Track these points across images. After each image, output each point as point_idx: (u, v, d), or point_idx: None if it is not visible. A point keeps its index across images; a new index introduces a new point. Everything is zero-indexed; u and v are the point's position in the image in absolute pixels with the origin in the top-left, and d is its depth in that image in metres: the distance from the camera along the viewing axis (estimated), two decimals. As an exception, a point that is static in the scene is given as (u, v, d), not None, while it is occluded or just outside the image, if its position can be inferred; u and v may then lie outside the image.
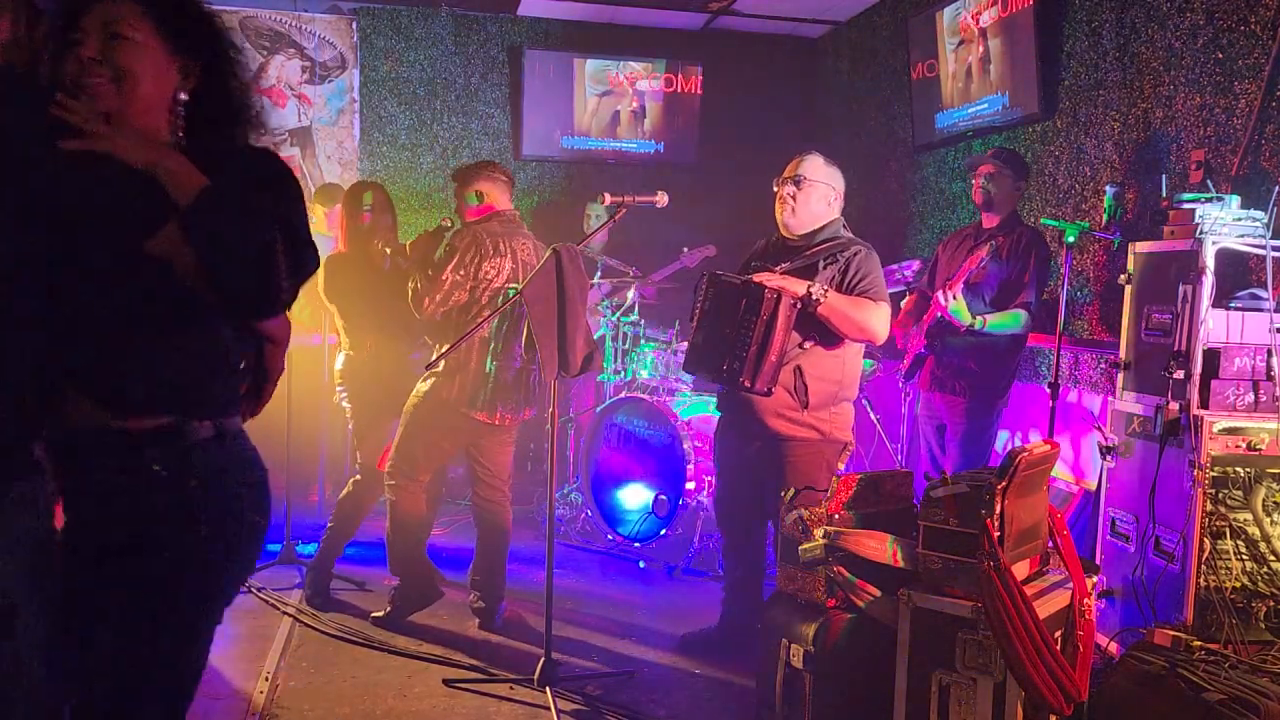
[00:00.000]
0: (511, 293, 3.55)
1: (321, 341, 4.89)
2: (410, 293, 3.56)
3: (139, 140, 1.48)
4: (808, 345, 3.26)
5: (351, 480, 4.03)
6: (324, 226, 5.27)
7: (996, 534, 2.32)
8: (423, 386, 3.64)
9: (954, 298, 3.61)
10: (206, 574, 1.59)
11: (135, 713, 1.56)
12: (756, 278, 3.22)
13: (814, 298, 3.15)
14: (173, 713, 1.62)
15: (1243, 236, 3.01)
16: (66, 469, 1.51)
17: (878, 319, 3.23)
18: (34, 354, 1.43)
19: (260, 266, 1.46)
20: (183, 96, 1.62)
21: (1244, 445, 2.94)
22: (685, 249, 5.49)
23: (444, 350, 3.46)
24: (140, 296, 1.50)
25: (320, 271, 4.00)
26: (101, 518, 1.52)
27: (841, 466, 3.40)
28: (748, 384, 3.15)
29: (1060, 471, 4.07)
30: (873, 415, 4.86)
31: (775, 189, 3.42)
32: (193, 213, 1.43)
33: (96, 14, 1.53)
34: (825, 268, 3.27)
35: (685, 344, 4.86)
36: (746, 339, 3.14)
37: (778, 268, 3.31)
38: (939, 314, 3.74)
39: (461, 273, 3.51)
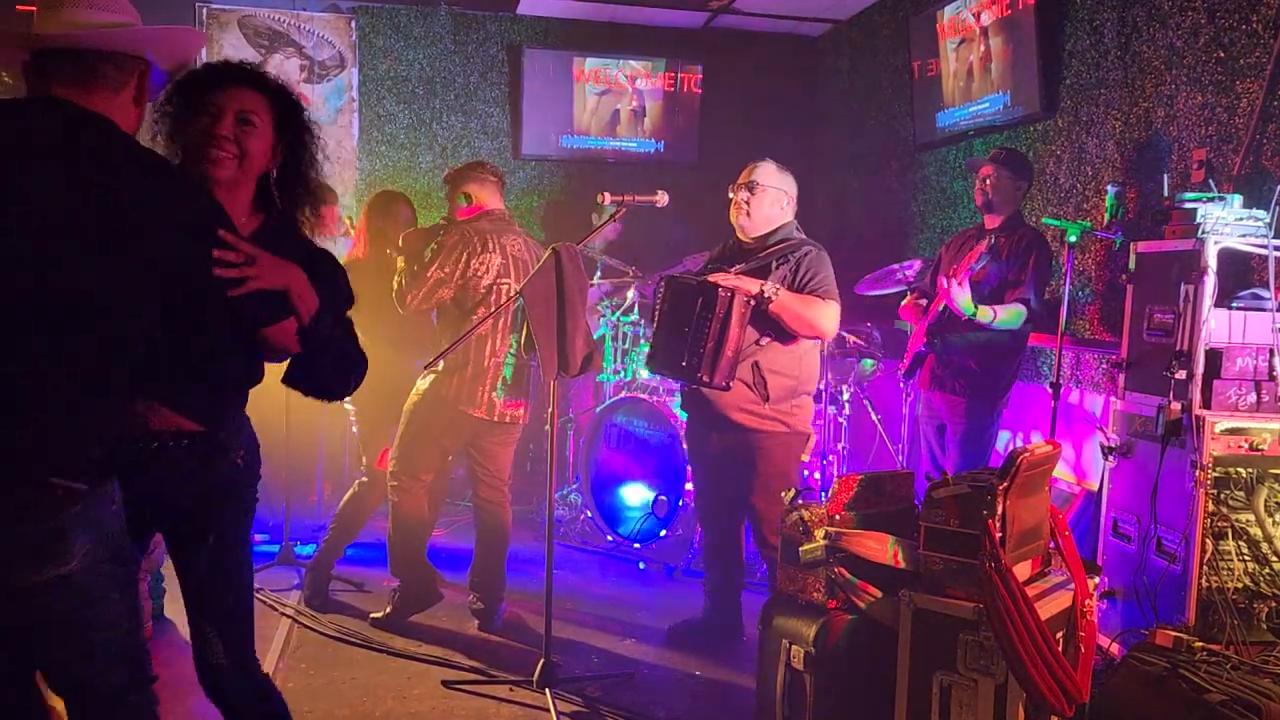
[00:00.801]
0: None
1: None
2: (395, 286, 3.57)
3: (277, 267, 1.81)
4: (764, 341, 3.41)
5: (356, 483, 4.02)
6: None
7: (998, 535, 2.31)
8: (422, 385, 3.63)
9: (960, 284, 3.61)
10: (251, 511, 2.13)
11: (249, 613, 2.13)
12: (711, 277, 3.38)
13: (766, 295, 3.30)
14: None
15: (1245, 236, 3.00)
16: (150, 458, 1.90)
17: (827, 316, 3.38)
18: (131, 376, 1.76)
19: (344, 376, 2.03)
20: (273, 173, 1.99)
21: (1246, 446, 2.93)
22: (688, 255, 5.46)
23: (444, 350, 3.45)
24: (238, 355, 1.96)
25: None
26: (191, 488, 1.96)
27: (805, 458, 3.55)
28: (705, 378, 3.30)
29: (1062, 472, 4.06)
30: (873, 415, 4.84)
31: (730, 195, 3.56)
32: (310, 331, 1.89)
33: (233, 97, 1.88)
34: (778, 267, 3.42)
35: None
36: (703, 336, 3.29)
37: (733, 268, 3.47)
38: (943, 305, 3.72)
39: (446, 270, 3.50)
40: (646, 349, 4.88)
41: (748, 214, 3.50)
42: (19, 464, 1.60)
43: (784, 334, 3.40)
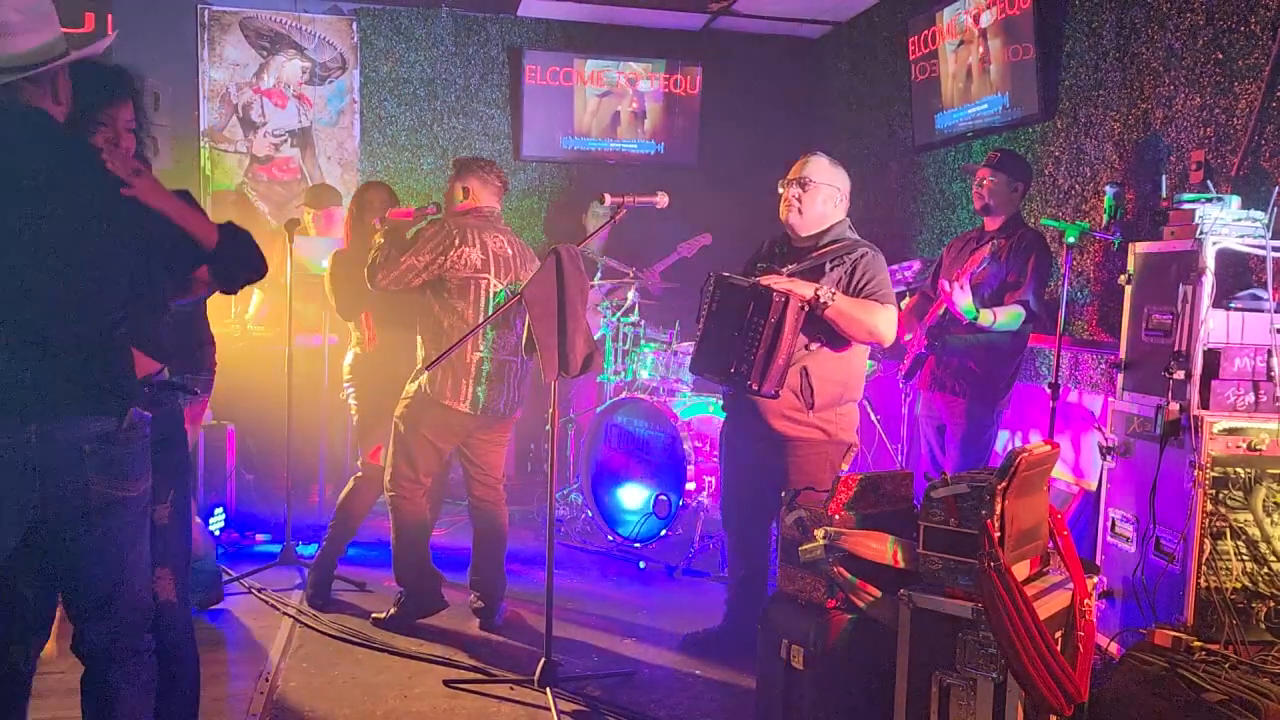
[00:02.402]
0: (501, 296, 3.58)
1: (321, 341, 4.89)
2: (369, 261, 3.60)
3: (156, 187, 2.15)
4: (814, 347, 3.26)
5: (353, 478, 4.02)
6: (310, 229, 5.26)
7: (997, 534, 2.32)
8: (410, 388, 3.65)
9: (961, 288, 3.61)
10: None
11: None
12: (763, 280, 3.20)
13: (821, 301, 3.15)
14: None
15: (1243, 237, 3.01)
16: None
17: (885, 321, 3.24)
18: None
19: (258, 251, 2.37)
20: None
21: (1244, 446, 2.94)
22: (681, 241, 5.49)
23: (444, 351, 3.46)
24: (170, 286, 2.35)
25: (328, 268, 4.04)
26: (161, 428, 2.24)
27: (845, 467, 3.38)
28: (755, 387, 3.14)
29: (1060, 472, 4.06)
30: (873, 415, 4.86)
31: (780, 190, 3.42)
32: (228, 229, 2.28)
33: (122, 112, 2.35)
34: (832, 269, 3.27)
35: (685, 344, 4.88)
36: (754, 341, 3.13)
37: (785, 269, 3.31)
38: (943, 308, 3.73)
39: (421, 259, 3.53)
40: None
41: (799, 212, 3.34)
42: (114, 399, 2.02)
43: (835, 339, 3.26)
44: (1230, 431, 2.94)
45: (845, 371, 3.34)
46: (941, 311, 3.80)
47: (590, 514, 4.97)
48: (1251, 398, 2.97)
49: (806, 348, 3.26)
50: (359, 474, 4.00)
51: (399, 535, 3.71)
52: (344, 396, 4.10)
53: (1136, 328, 3.25)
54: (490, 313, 3.59)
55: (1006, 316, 3.69)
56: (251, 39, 6.17)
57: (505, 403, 3.69)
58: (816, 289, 3.16)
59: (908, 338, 4.04)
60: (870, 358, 4.75)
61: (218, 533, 4.77)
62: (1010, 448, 3.29)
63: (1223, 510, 2.92)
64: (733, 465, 3.55)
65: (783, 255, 3.43)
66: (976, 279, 3.74)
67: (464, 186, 3.71)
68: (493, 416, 3.66)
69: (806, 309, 3.15)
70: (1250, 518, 2.92)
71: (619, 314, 5.08)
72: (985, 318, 3.64)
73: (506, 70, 6.47)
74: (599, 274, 5.31)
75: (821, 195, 3.35)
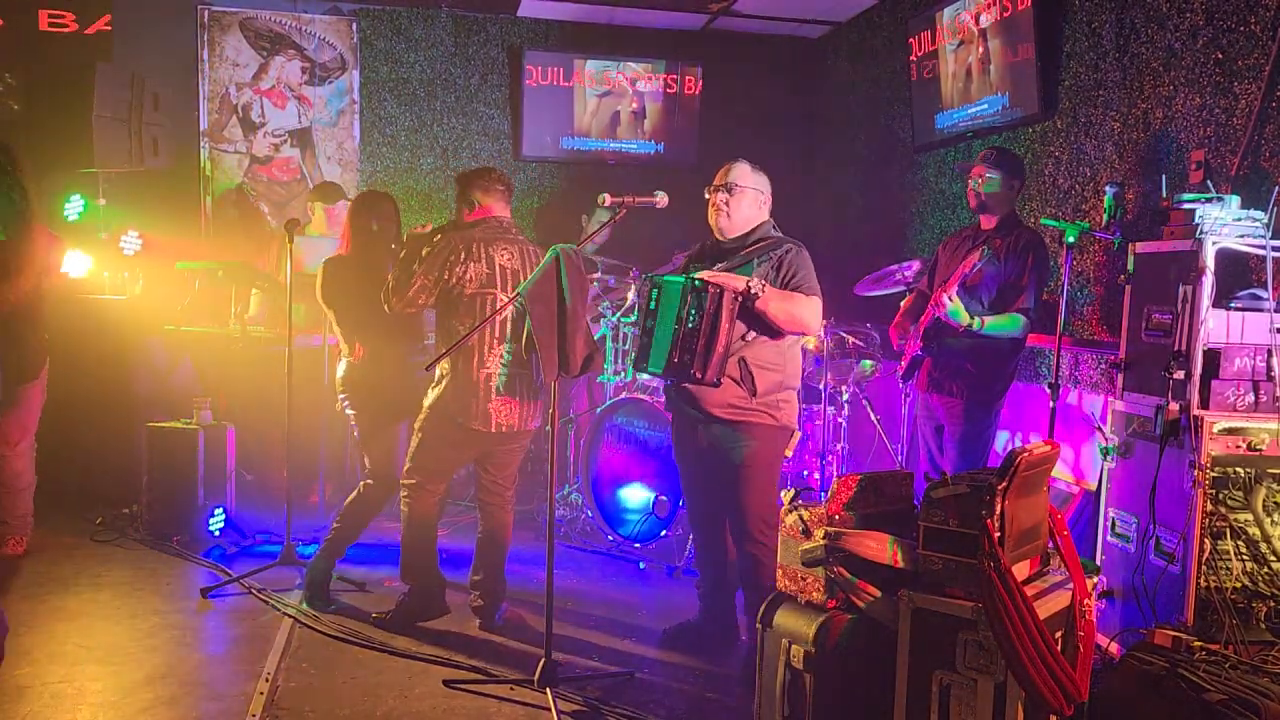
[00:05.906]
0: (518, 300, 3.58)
1: (321, 343, 4.88)
2: (385, 287, 3.62)
3: None
4: (750, 337, 3.43)
5: (361, 484, 4.01)
6: (323, 226, 5.26)
7: (997, 535, 2.32)
8: (429, 399, 3.66)
9: (950, 299, 3.62)
10: None
11: None
12: (698, 275, 3.40)
13: (753, 292, 3.33)
14: None
15: (1243, 236, 3.01)
16: None
17: (810, 312, 3.42)
18: None
19: None
20: None
21: (1244, 446, 2.94)
22: (678, 254, 5.46)
23: (437, 356, 3.48)
24: None
25: (319, 274, 4.02)
26: None
27: (789, 454, 3.56)
28: (699, 375, 3.31)
29: (1060, 472, 4.07)
30: (873, 416, 4.86)
31: (707, 196, 3.60)
32: None
33: None
34: (760, 265, 3.44)
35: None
36: (695, 332, 3.32)
37: (716, 267, 3.48)
38: (936, 314, 3.73)
39: (430, 278, 3.54)
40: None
41: (727, 215, 3.52)
42: None
43: (769, 330, 3.43)
44: (1230, 431, 2.95)
45: (782, 359, 3.50)
46: (937, 315, 3.80)
47: (590, 514, 4.97)
48: (1251, 398, 2.98)
49: (743, 338, 3.42)
50: (368, 481, 3.99)
51: (410, 535, 3.72)
52: (340, 407, 4.09)
53: (1136, 328, 3.25)
54: (496, 327, 3.58)
55: (1005, 320, 3.69)
56: (251, 39, 6.18)
57: (520, 417, 3.69)
58: (748, 282, 3.33)
59: (903, 341, 4.05)
60: (869, 358, 4.78)
61: (217, 533, 4.77)
62: (1010, 448, 3.29)
63: (1223, 510, 2.92)
64: (687, 461, 3.69)
65: (713, 256, 3.61)
66: (973, 280, 3.73)
67: (471, 199, 3.71)
68: (508, 430, 3.66)
69: (740, 300, 3.33)
70: (1250, 518, 2.92)
71: (619, 314, 5.08)
72: (978, 324, 3.65)
73: (506, 70, 6.48)
74: (599, 274, 5.30)
75: (747, 198, 3.54)
